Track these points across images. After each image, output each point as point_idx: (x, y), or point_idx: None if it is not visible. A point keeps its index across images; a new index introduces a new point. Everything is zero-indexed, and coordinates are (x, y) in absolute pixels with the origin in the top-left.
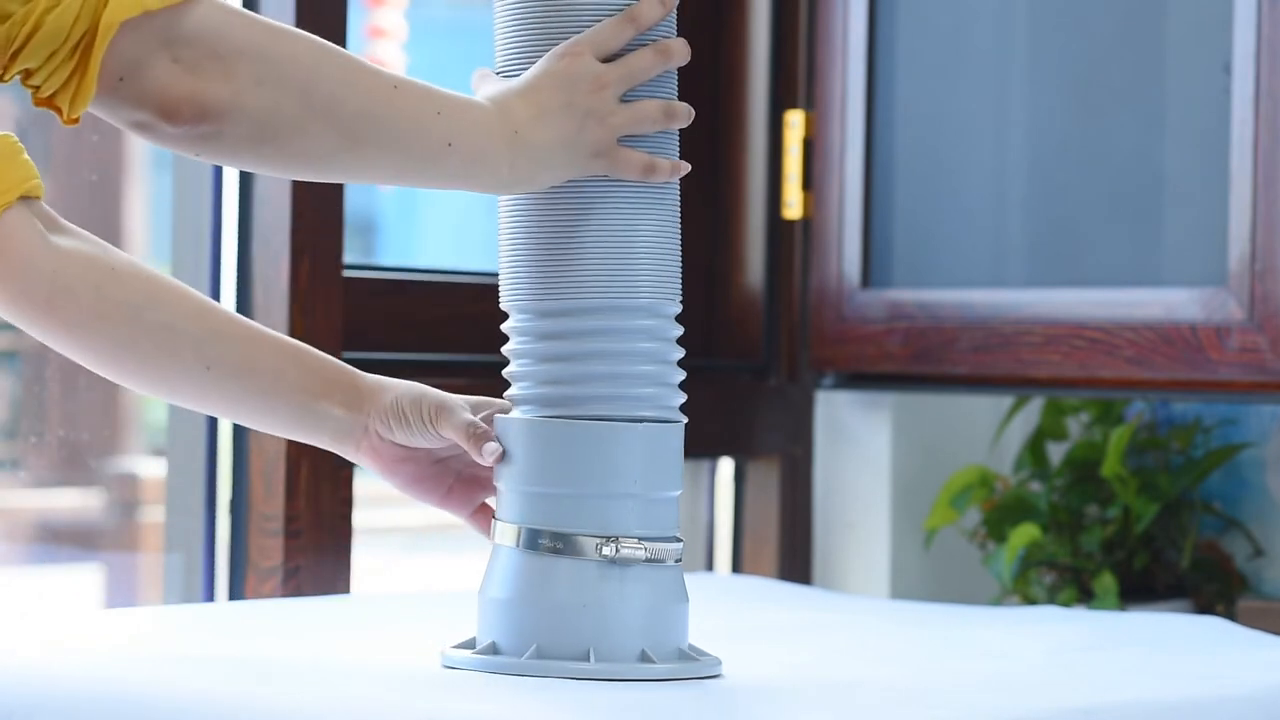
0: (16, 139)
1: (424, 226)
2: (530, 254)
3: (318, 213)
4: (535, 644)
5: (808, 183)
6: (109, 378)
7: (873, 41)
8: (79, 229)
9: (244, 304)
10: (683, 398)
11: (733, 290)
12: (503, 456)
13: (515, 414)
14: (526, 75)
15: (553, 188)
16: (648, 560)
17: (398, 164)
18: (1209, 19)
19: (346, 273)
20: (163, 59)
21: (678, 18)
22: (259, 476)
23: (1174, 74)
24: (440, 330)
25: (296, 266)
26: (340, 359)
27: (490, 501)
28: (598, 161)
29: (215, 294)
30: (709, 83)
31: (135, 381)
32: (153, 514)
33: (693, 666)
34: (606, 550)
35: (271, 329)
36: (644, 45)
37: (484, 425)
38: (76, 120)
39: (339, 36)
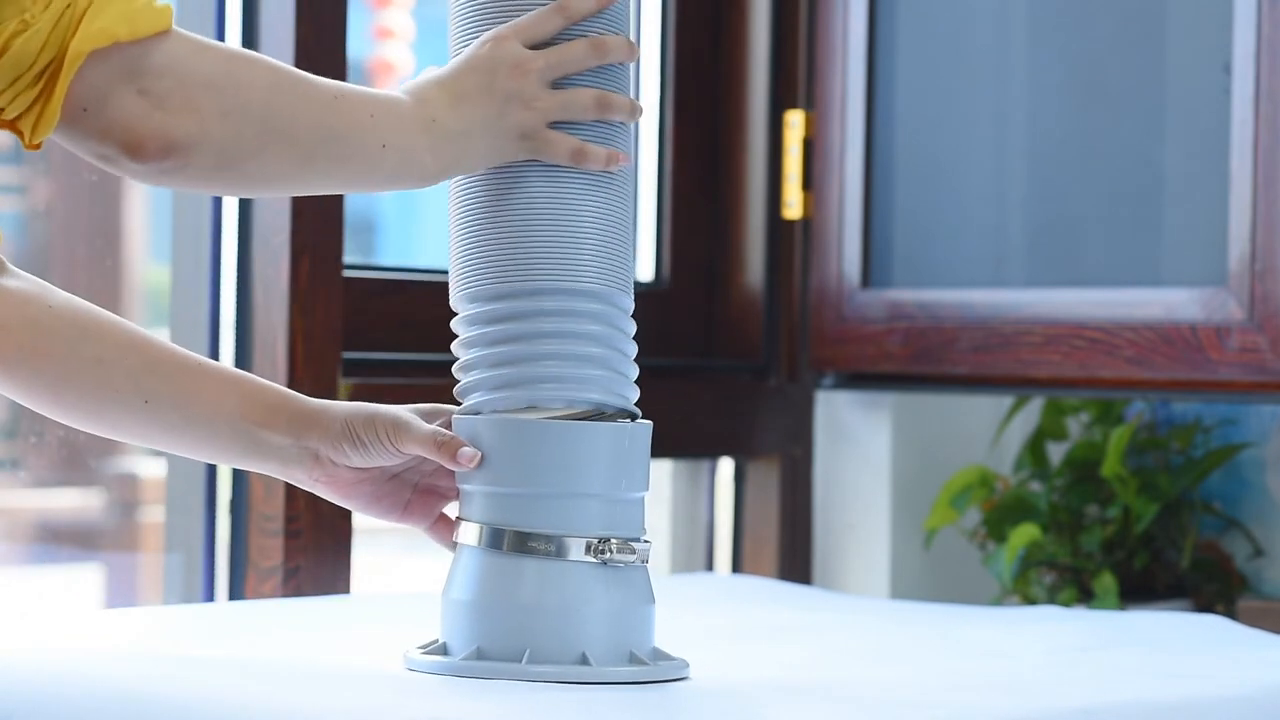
0: None
1: (424, 226)
2: (476, 244)
3: (318, 213)
4: (501, 646)
5: (808, 183)
6: (50, 415)
7: (873, 41)
8: (22, 272)
9: (244, 304)
10: (636, 393)
11: (733, 290)
12: (482, 461)
13: (466, 405)
14: (450, 63)
15: (497, 180)
16: (637, 562)
17: (346, 173)
18: (1209, 19)
19: (346, 273)
20: (128, 92)
21: (678, 17)
22: (259, 477)
23: (1174, 74)
24: (440, 330)
25: (296, 266)
26: (340, 359)
27: (449, 511)
28: (524, 144)
29: (215, 295)
30: (709, 83)
31: (76, 417)
32: (153, 514)
33: (660, 669)
34: (602, 552)
35: (270, 326)
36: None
37: (447, 433)
38: (38, 146)
39: (338, 36)
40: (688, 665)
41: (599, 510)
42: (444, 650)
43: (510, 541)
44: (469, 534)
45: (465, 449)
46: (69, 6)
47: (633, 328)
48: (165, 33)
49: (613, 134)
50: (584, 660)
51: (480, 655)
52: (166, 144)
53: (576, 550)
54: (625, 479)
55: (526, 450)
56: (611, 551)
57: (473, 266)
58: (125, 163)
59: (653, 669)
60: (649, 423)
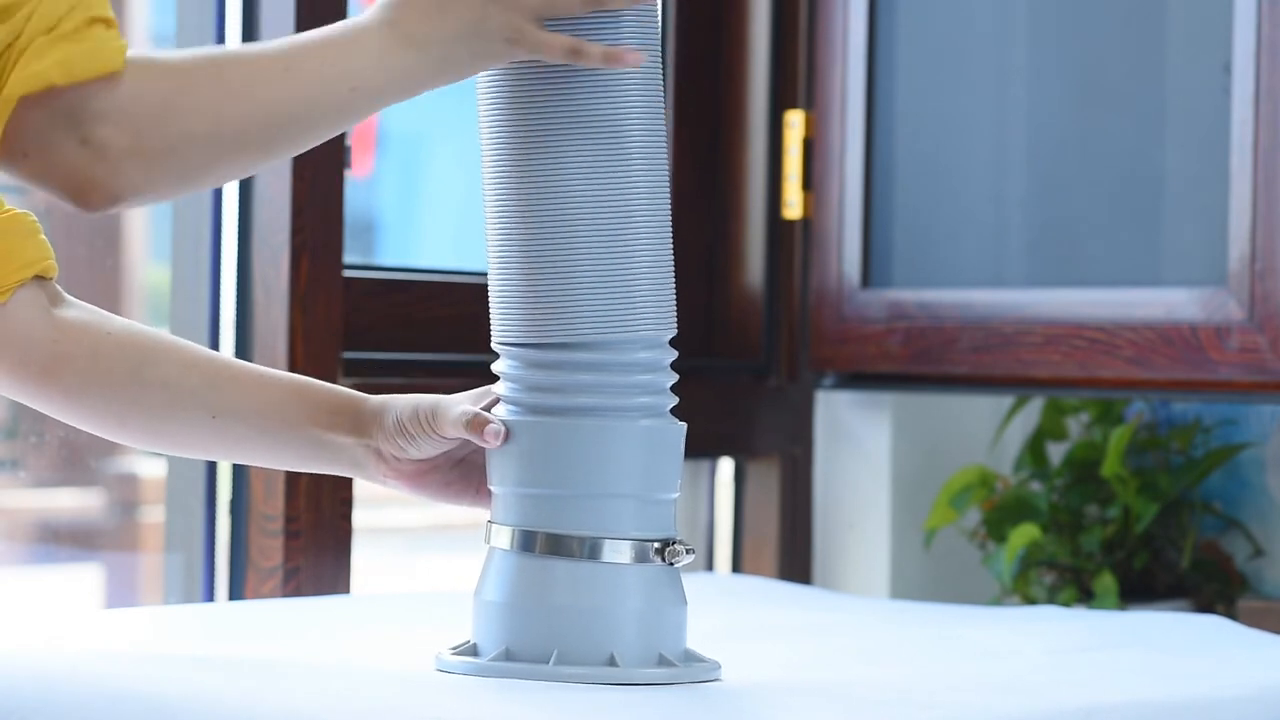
0: (35, 219)
1: (424, 226)
2: (521, 288)
3: (318, 213)
4: (535, 648)
5: (808, 183)
6: (113, 439)
7: (873, 41)
8: (81, 302)
9: (244, 304)
10: (674, 400)
11: (733, 290)
12: (507, 435)
13: (500, 411)
14: None
15: (542, 215)
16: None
17: (318, 134)
18: (1209, 19)
19: (346, 273)
20: (69, 141)
21: (678, 18)
22: (259, 476)
23: (1174, 74)
24: (440, 330)
25: (296, 266)
26: (340, 359)
27: None
28: (513, 47)
29: (215, 295)
30: (709, 83)
31: (141, 438)
32: (153, 514)
33: (692, 670)
34: (673, 554)
35: (270, 326)
36: None
37: (482, 412)
38: None
39: None
40: (719, 666)
41: (634, 511)
42: (470, 651)
43: (542, 543)
44: (501, 536)
45: (491, 425)
46: (8, 47)
47: (673, 355)
48: (113, 74)
49: (630, 36)
50: (612, 661)
51: (492, 654)
52: (111, 195)
53: (611, 552)
54: (661, 479)
55: (561, 450)
56: (682, 554)
57: (514, 312)
58: (74, 207)
59: (680, 670)
60: (683, 424)
